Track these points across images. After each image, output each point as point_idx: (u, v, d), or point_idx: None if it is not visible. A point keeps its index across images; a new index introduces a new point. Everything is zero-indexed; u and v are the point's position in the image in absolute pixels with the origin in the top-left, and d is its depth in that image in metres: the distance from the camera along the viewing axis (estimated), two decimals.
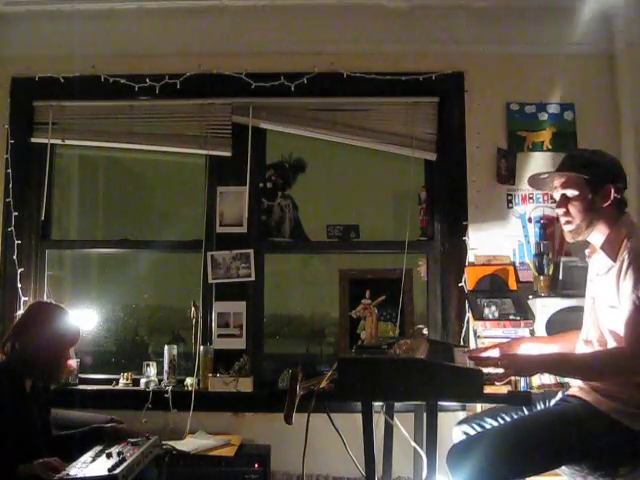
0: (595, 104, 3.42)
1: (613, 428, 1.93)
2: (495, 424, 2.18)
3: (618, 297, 1.97)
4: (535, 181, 2.26)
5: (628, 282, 1.93)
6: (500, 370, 1.99)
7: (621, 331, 1.95)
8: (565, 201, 2.12)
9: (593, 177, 2.06)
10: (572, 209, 2.10)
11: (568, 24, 3.41)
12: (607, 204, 2.06)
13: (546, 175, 2.22)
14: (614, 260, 2.02)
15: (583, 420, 1.97)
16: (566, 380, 2.80)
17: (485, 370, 1.99)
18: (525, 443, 1.95)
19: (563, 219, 2.14)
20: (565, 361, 2.08)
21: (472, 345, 3.10)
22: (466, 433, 2.23)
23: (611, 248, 2.05)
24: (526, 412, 2.17)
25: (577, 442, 1.94)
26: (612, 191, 2.05)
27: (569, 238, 2.16)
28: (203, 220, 3.48)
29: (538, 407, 2.22)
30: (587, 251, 2.24)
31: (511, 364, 2.00)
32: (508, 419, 2.17)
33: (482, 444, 1.95)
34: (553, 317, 2.97)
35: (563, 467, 2.03)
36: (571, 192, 2.09)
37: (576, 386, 2.14)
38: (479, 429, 2.19)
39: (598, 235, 2.10)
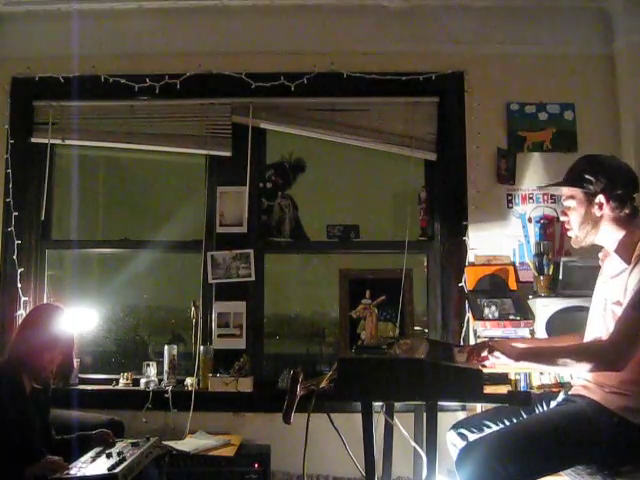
0: (595, 104, 3.43)
1: (619, 425, 1.93)
2: (493, 426, 2.17)
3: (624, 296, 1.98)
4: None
5: (632, 280, 1.95)
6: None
7: None
8: (567, 211, 2.18)
9: (587, 189, 2.09)
10: (571, 219, 2.17)
11: (568, 24, 3.42)
12: (602, 213, 2.08)
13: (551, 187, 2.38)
14: (628, 262, 2.02)
15: (592, 419, 1.96)
16: (566, 380, 2.81)
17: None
18: (538, 444, 1.93)
19: (567, 226, 2.21)
20: (542, 352, 2.15)
21: None
22: (463, 435, 2.21)
23: (625, 251, 2.06)
24: (524, 415, 2.16)
25: (588, 441, 1.93)
26: (605, 201, 2.06)
27: (573, 244, 2.22)
28: (203, 220, 3.48)
29: (537, 409, 2.21)
30: (601, 254, 2.25)
31: (490, 343, 2.16)
32: (507, 422, 2.16)
33: (493, 445, 1.93)
34: (553, 317, 2.97)
35: None
36: (571, 203, 2.16)
37: (579, 385, 2.13)
38: (476, 431, 2.18)
39: (610, 239, 2.11)
